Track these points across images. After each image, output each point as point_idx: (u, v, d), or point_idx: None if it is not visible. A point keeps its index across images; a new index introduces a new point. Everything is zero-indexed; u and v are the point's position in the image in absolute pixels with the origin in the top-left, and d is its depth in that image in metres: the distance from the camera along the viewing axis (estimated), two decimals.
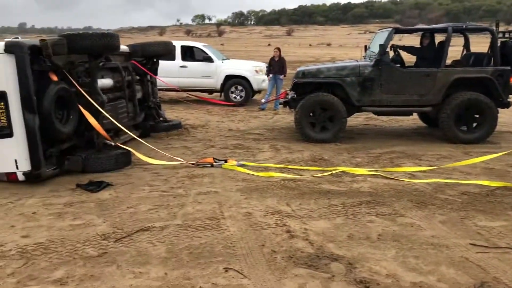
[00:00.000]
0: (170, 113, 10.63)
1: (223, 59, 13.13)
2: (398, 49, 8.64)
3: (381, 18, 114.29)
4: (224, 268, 3.51)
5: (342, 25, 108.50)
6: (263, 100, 12.05)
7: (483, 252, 3.73)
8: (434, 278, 3.35)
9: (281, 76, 11.83)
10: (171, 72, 12.10)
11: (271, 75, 11.80)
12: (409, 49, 8.68)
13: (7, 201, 5.05)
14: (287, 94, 8.65)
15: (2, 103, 5.30)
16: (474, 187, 5.38)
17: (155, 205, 4.87)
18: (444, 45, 7.98)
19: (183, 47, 12.86)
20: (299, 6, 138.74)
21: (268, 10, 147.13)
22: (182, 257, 3.70)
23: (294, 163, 6.52)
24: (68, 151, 6.10)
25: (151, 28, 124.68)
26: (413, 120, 9.84)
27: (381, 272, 3.44)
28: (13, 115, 5.35)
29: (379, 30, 9.05)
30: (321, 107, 7.85)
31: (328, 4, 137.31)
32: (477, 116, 7.78)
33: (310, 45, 61.59)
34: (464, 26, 8.21)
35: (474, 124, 7.82)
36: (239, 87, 12.43)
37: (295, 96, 8.20)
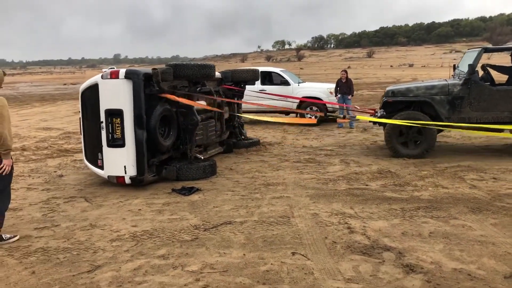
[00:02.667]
0: (250, 132, 11.61)
1: (299, 82, 13.99)
2: (488, 68, 8.90)
3: (468, 37, 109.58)
4: (292, 253, 4.24)
5: (426, 45, 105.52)
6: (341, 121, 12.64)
7: None
8: (474, 266, 3.83)
9: (349, 96, 12.47)
10: (252, 95, 13.15)
11: (339, 95, 12.46)
12: (499, 68, 8.91)
13: (118, 200, 6.20)
14: (376, 112, 9.18)
15: (119, 119, 6.55)
16: None
17: (236, 206, 5.74)
18: None
19: (262, 72, 13.90)
20: (380, 27, 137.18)
21: (348, 33, 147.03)
22: (257, 243, 4.50)
23: (361, 175, 7.10)
24: (165, 162, 7.22)
25: (233, 55, 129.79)
26: (486, 138, 9.94)
27: (427, 260, 3.97)
28: (126, 129, 6.57)
29: (468, 49, 9.33)
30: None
31: (410, 24, 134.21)
32: None
33: (391, 66, 60.73)
34: None
35: None
36: (314, 108, 13.15)
37: (385, 114, 8.65)
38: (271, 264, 4.02)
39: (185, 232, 4.88)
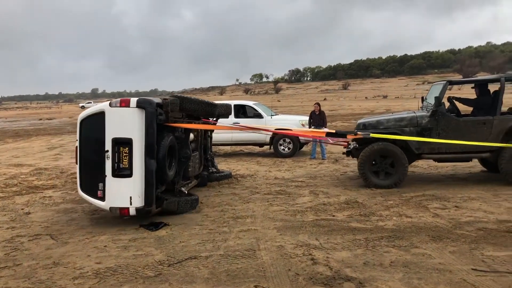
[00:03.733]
0: (224, 165, 11.68)
1: (271, 115, 14.22)
2: (453, 100, 9.26)
3: (440, 68, 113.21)
4: (254, 286, 4.27)
5: (399, 76, 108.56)
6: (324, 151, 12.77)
7: (482, 276, 4.24)
8: None
9: (323, 128, 12.71)
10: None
11: (313, 127, 12.70)
12: (464, 101, 9.25)
13: (84, 237, 6.13)
14: (349, 144, 9.44)
15: (127, 148, 6.45)
16: (493, 224, 5.81)
17: (203, 240, 5.75)
18: (498, 94, 8.45)
19: (236, 106, 14.10)
20: (355, 60, 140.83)
21: (324, 66, 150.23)
22: (221, 277, 4.51)
23: (329, 206, 7.20)
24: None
25: (212, 88, 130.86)
26: (452, 166, 10.22)
27: None
28: (135, 159, 6.45)
29: (435, 82, 9.72)
30: (382, 155, 8.46)
31: (384, 57, 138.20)
32: None
33: (366, 97, 62.13)
34: None
35: None
36: (287, 140, 13.35)
37: (357, 145, 8.95)
38: None
39: (149, 268, 4.86)
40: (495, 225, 5.78)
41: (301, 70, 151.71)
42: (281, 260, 4.90)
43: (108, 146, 6.45)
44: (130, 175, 6.44)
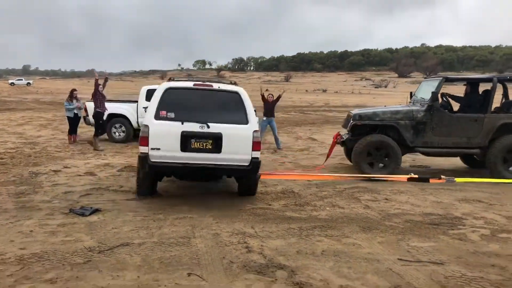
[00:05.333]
0: None
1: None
2: (446, 96, 9.63)
3: (377, 66, 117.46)
4: (188, 273, 4.22)
5: (339, 72, 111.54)
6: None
7: (407, 265, 4.46)
8: (359, 282, 4.07)
9: (264, 118, 12.69)
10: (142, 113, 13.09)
11: (264, 118, 12.61)
12: (455, 98, 9.68)
13: (7, 221, 5.78)
14: (340, 135, 9.60)
15: None
16: (418, 216, 6.14)
17: (137, 227, 5.60)
18: (490, 93, 8.85)
19: (148, 90, 13.74)
20: (298, 53, 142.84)
21: (267, 56, 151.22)
22: (154, 265, 4.42)
23: (266, 195, 7.27)
24: None
25: (152, 72, 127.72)
26: None
27: (317, 277, 4.16)
28: None
29: (426, 78, 10.06)
30: (377, 147, 8.68)
31: (325, 52, 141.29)
32: None
33: (306, 90, 63.26)
34: (508, 77, 9.40)
35: None
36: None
37: (351, 137, 9.09)
38: (165, 286, 3.97)
39: (78, 254, 4.67)
40: (421, 217, 6.11)
41: (245, 59, 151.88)
42: (216, 248, 4.89)
43: None
44: None
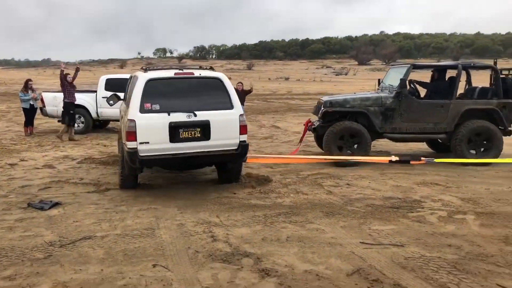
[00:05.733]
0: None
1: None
2: (414, 83, 9.83)
3: (337, 54, 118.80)
4: (153, 265, 4.19)
5: (301, 60, 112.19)
6: None
7: (368, 248, 4.58)
8: (323, 267, 4.15)
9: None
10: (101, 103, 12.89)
11: None
12: (422, 84, 9.91)
13: None
14: (311, 122, 9.70)
15: None
16: (379, 200, 6.30)
17: (99, 219, 5.50)
18: (455, 80, 9.09)
19: (108, 80, 13.44)
20: (259, 41, 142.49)
21: (229, 44, 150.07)
22: (117, 257, 4.36)
23: (228, 184, 7.27)
24: None
25: (111, 60, 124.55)
26: None
27: (282, 263, 4.21)
28: None
29: (393, 65, 10.24)
30: (348, 133, 8.82)
31: (287, 40, 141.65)
32: (485, 142, 8.85)
33: (269, 79, 63.34)
34: (472, 64, 9.65)
35: (482, 149, 8.88)
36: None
37: (322, 123, 9.19)
38: (130, 278, 3.92)
39: (38, 249, 4.54)
40: (381, 201, 6.27)
41: (207, 47, 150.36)
42: (181, 238, 4.86)
43: None
44: None
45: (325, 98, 9.53)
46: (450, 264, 4.16)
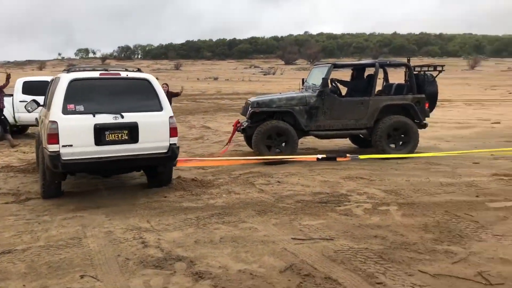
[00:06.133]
0: None
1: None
2: (335, 82, 10.20)
3: (265, 54, 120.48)
4: (80, 276, 4.00)
5: (229, 59, 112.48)
6: None
7: (300, 244, 4.69)
8: (256, 265, 4.18)
9: None
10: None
11: None
12: (343, 82, 10.36)
13: None
14: (239, 122, 9.73)
15: None
16: (308, 196, 6.47)
17: (19, 232, 5.16)
18: (373, 77, 9.60)
19: (25, 83, 12.77)
20: (186, 41, 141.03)
21: (155, 44, 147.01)
22: (41, 271, 4.11)
23: (161, 187, 7.12)
24: None
25: (29, 62, 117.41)
26: None
27: (215, 265, 4.19)
28: None
29: (316, 65, 10.69)
30: (276, 132, 9.01)
31: (214, 39, 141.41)
32: (403, 135, 9.37)
33: (198, 79, 62.88)
34: (388, 62, 10.31)
35: (401, 142, 9.41)
36: None
37: (250, 124, 9.28)
38: None
39: None
40: (311, 197, 6.44)
41: (132, 47, 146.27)
42: (109, 246, 4.68)
43: None
44: None
45: (252, 99, 9.72)
46: (376, 254, 4.36)
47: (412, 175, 7.66)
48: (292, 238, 4.83)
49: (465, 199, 6.20)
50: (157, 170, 6.91)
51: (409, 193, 6.57)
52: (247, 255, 4.41)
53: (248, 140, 9.81)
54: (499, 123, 14.39)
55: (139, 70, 6.94)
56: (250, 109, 9.36)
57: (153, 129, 6.36)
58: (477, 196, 6.31)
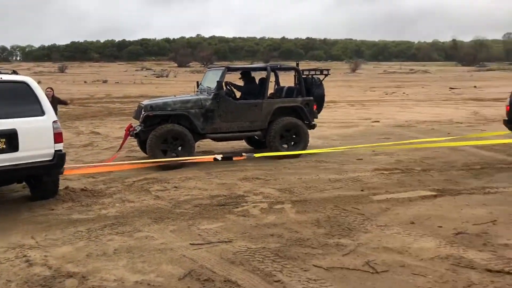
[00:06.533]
0: None
1: None
2: (230, 85, 10.24)
3: (156, 56, 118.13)
4: None
5: (119, 61, 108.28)
6: None
7: (198, 249, 4.65)
8: (154, 274, 4.06)
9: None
10: None
11: None
12: (236, 86, 10.39)
13: None
14: (133, 128, 9.33)
15: None
16: (206, 200, 6.45)
17: None
18: (265, 81, 9.82)
19: None
20: (72, 42, 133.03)
21: (36, 45, 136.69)
22: None
23: (46, 199, 6.60)
24: None
25: None
26: None
27: (110, 278, 3.99)
28: None
29: (209, 68, 10.69)
30: (171, 136, 8.76)
31: (102, 40, 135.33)
32: (294, 136, 9.72)
33: (85, 82, 59.60)
34: (279, 66, 10.57)
35: (293, 142, 9.72)
36: None
37: (143, 128, 8.93)
38: None
39: None
40: (208, 200, 6.43)
41: (9, 48, 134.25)
42: None
43: None
44: None
45: (146, 102, 9.49)
46: (273, 253, 4.48)
47: (304, 173, 8.02)
48: (190, 244, 4.78)
49: (351, 193, 6.64)
50: (42, 180, 6.40)
51: (301, 190, 6.86)
52: (143, 265, 4.26)
53: (142, 145, 9.52)
54: (378, 121, 15.66)
55: (14, 72, 6.37)
56: (143, 112, 9.10)
57: (35, 136, 5.89)
58: (362, 190, 6.80)
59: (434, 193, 6.56)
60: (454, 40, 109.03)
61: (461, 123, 14.91)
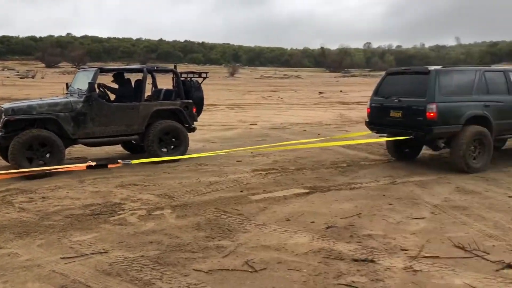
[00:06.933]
0: None
1: None
2: (103, 87, 9.70)
3: (21, 55, 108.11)
4: None
5: None
6: None
7: (71, 262, 4.33)
8: None
9: None
10: None
11: None
12: (110, 89, 9.85)
13: None
14: None
15: None
16: (79, 210, 6.05)
17: None
18: (142, 83, 9.55)
19: None
20: None
21: None
22: None
23: None
24: None
25: None
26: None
27: None
28: None
29: (81, 69, 10.09)
30: (38, 142, 8.12)
31: None
32: (174, 139, 9.54)
33: None
34: (156, 68, 10.36)
35: (172, 146, 9.53)
36: None
37: (4, 134, 8.08)
38: None
39: None
40: (81, 210, 6.04)
41: None
42: None
43: None
44: None
45: (6, 106, 8.67)
46: (152, 261, 4.36)
47: (184, 177, 7.96)
48: (61, 258, 4.44)
49: (231, 195, 6.76)
50: None
51: (181, 195, 6.79)
52: (6, 286, 3.85)
53: (3, 152, 8.61)
54: (256, 124, 16.19)
55: None
56: (4, 117, 8.25)
57: None
58: (241, 191, 6.95)
59: (307, 191, 6.96)
60: (322, 48, 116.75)
61: (329, 124, 16.09)
